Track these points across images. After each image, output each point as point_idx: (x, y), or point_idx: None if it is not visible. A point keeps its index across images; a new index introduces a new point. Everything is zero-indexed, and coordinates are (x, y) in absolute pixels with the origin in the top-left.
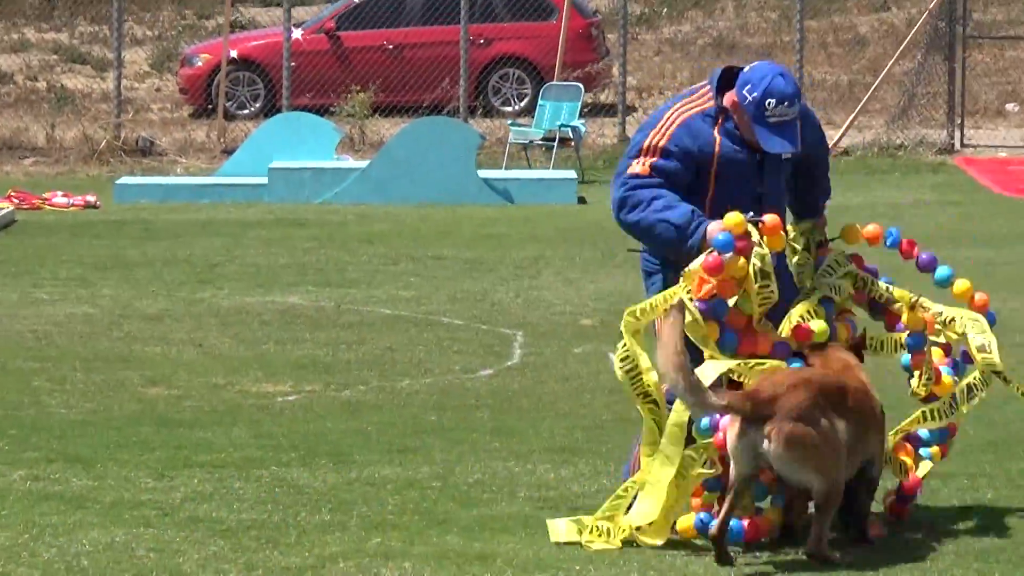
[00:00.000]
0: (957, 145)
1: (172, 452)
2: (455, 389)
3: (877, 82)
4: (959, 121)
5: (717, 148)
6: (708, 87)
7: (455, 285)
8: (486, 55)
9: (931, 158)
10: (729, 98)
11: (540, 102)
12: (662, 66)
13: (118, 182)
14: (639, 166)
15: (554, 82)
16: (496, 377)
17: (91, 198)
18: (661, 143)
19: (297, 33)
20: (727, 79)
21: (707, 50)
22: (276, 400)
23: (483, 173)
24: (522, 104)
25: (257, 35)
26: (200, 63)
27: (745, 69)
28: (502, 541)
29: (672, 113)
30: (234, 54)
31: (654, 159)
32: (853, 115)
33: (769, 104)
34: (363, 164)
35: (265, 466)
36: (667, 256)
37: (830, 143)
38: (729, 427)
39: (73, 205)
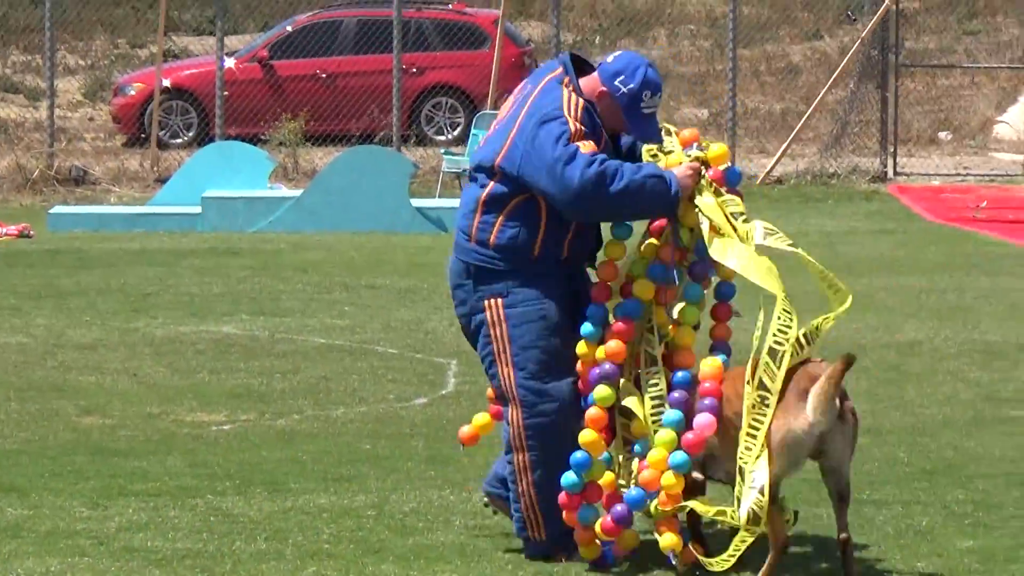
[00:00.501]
0: (890, 173)
1: (107, 481)
2: (390, 418)
3: (810, 110)
4: (892, 149)
5: (600, 134)
6: (561, 74)
7: (389, 314)
8: (419, 84)
9: (864, 186)
10: (593, 87)
11: (473, 131)
12: None
13: (51, 211)
14: (585, 147)
15: (487, 111)
16: (431, 406)
17: (24, 227)
18: (581, 127)
19: (230, 62)
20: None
21: None
22: (211, 429)
23: (416, 202)
24: (455, 133)
25: (190, 64)
26: (133, 92)
27: (608, 59)
28: (438, 570)
29: (569, 98)
30: (167, 83)
31: (587, 140)
32: (786, 143)
33: (646, 96)
34: (297, 193)
35: (200, 495)
36: (651, 214)
37: (763, 172)
38: (790, 417)
39: (6, 234)
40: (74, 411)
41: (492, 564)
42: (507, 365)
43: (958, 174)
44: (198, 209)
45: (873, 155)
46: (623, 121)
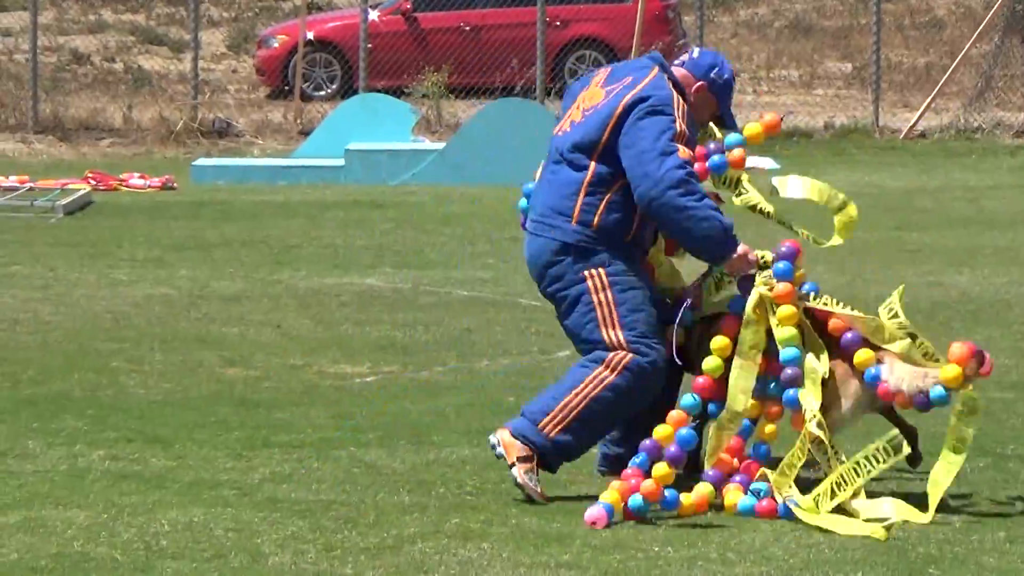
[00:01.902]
0: None
1: (250, 432)
2: (533, 370)
3: (954, 65)
4: None
5: (694, 146)
6: (660, 72)
7: None
8: (563, 37)
9: (1009, 141)
10: (688, 83)
11: None
12: (739, 48)
13: (195, 163)
14: (683, 152)
15: None
16: (573, 358)
17: (168, 179)
18: (684, 130)
19: (374, 14)
20: None
21: (784, 32)
22: (354, 381)
23: None
24: None
25: (334, 16)
26: (277, 44)
27: (690, 57)
28: (581, 522)
29: (677, 99)
30: (311, 35)
31: (686, 147)
32: (930, 98)
33: (734, 88)
34: (440, 145)
35: (343, 447)
36: (696, 249)
37: (906, 126)
38: (852, 380)
39: (150, 186)
40: (218, 362)
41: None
42: (615, 327)
43: None
44: (341, 162)
45: (1018, 109)
46: (712, 114)
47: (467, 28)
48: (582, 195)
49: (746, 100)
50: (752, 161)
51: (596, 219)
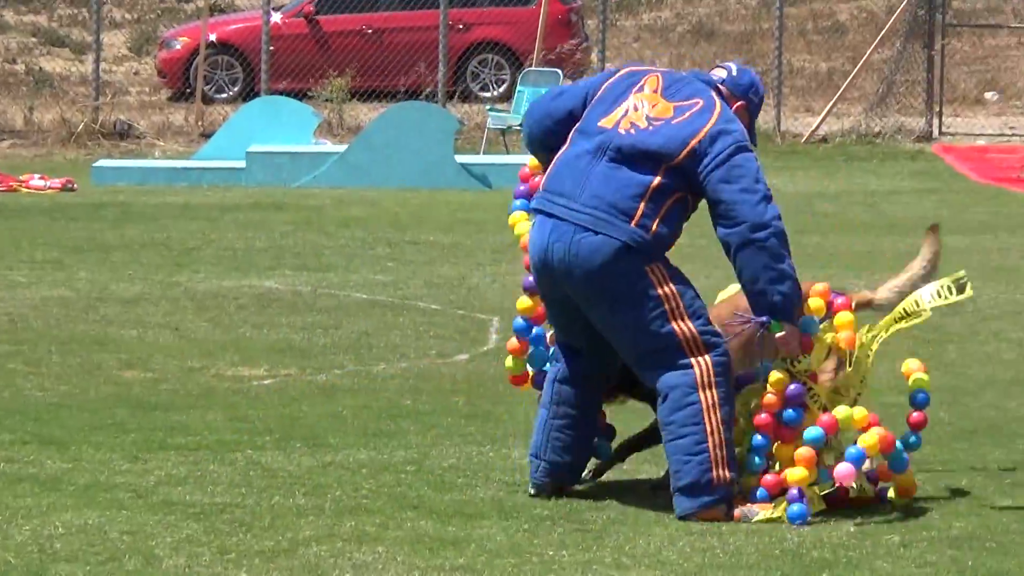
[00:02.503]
0: (935, 133)
1: (147, 435)
2: (431, 374)
3: (856, 69)
4: (938, 109)
5: None
6: (718, 98)
7: (432, 270)
8: (465, 40)
9: (909, 146)
10: (732, 102)
11: (519, 87)
12: (641, 52)
13: (96, 165)
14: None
15: (533, 68)
16: (472, 362)
17: (68, 181)
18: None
19: (276, 17)
20: None
21: (686, 36)
22: (252, 384)
23: (461, 158)
24: (500, 89)
25: (236, 19)
26: (179, 46)
27: (732, 72)
28: (476, 525)
29: (742, 129)
30: (213, 37)
31: None
32: (832, 102)
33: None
34: (341, 148)
35: (240, 449)
36: (765, 306)
37: (808, 131)
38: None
39: (50, 187)
40: (115, 365)
41: (530, 520)
42: (684, 318)
43: (1003, 134)
44: (242, 164)
45: (919, 115)
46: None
47: (369, 31)
48: (646, 200)
49: None
50: None
51: (655, 226)
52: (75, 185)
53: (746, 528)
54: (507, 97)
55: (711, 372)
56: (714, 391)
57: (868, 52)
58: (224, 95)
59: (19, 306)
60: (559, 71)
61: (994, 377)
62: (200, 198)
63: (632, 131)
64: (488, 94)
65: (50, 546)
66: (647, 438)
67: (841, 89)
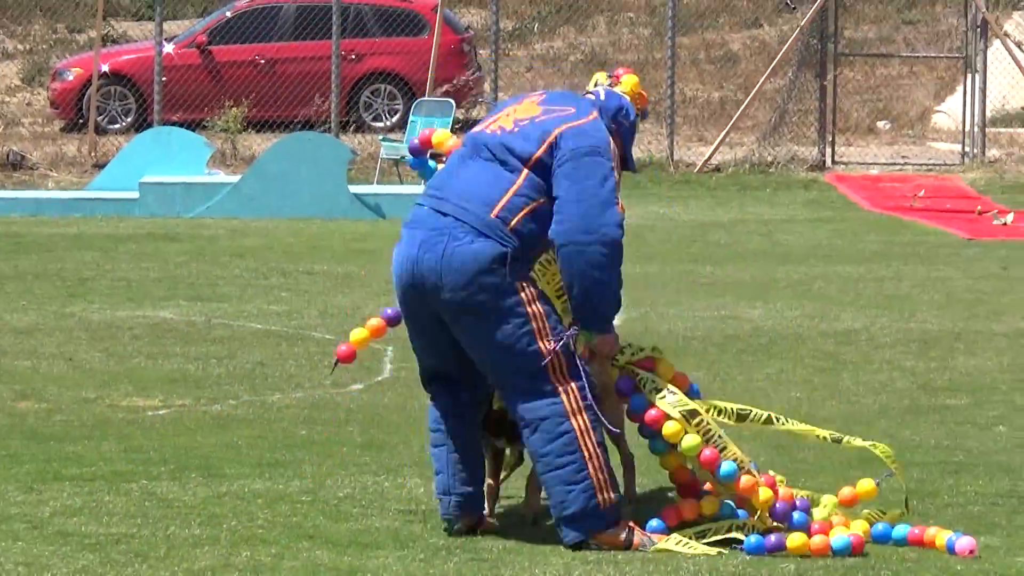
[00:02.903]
0: (828, 162)
1: (42, 466)
2: (326, 404)
3: (749, 99)
4: (830, 138)
5: None
6: (597, 114)
7: (326, 300)
8: (358, 70)
9: (803, 175)
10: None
11: (412, 117)
12: (534, 81)
13: None
14: (623, 209)
15: (426, 98)
16: (366, 392)
17: None
18: (619, 181)
19: (169, 47)
20: None
21: (579, 66)
22: (146, 414)
23: (354, 188)
24: (394, 119)
25: (129, 49)
26: (71, 77)
27: (601, 97)
28: (372, 555)
29: (612, 144)
30: (105, 68)
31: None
32: (724, 132)
33: (637, 130)
34: (235, 179)
35: (135, 480)
36: (580, 311)
37: (701, 160)
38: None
39: None
40: (9, 395)
41: (426, 550)
42: (549, 340)
43: (896, 163)
44: (136, 194)
45: (812, 144)
46: (625, 153)
47: (262, 61)
48: (510, 194)
49: None
50: None
51: (515, 221)
52: None
53: (642, 556)
54: (400, 127)
55: (578, 397)
56: (584, 415)
57: (761, 81)
58: (117, 125)
59: None
60: (452, 101)
61: (888, 405)
62: (94, 228)
63: (499, 132)
64: (381, 124)
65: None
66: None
67: (734, 119)
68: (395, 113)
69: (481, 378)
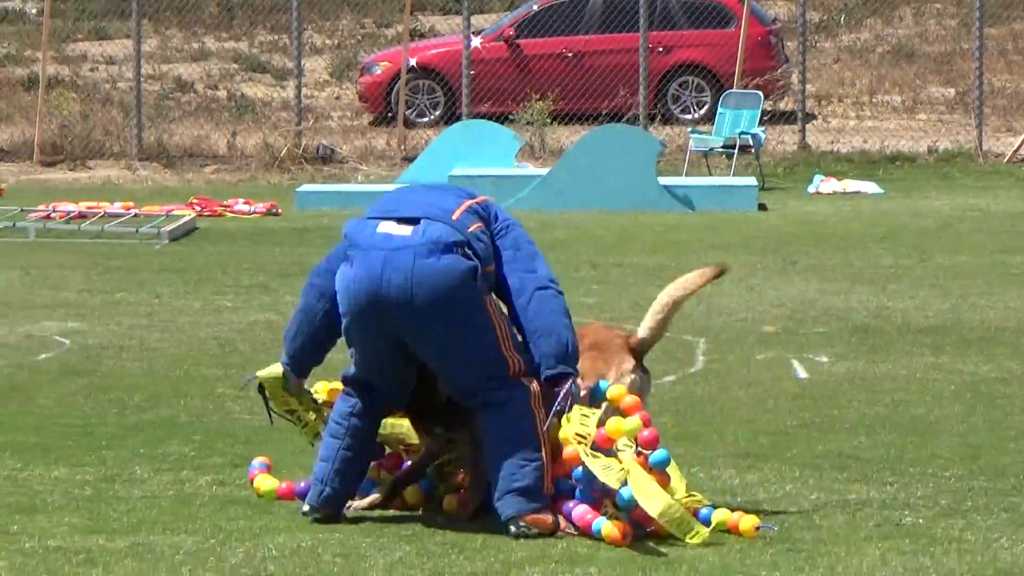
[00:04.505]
0: None
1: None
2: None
3: None
4: None
5: None
6: None
7: (637, 292)
8: (665, 62)
9: None
10: None
11: (720, 109)
12: (841, 73)
13: (299, 189)
14: None
15: (733, 89)
16: (679, 383)
17: (272, 205)
18: None
19: (476, 41)
20: None
21: (886, 58)
22: None
23: (663, 180)
24: (701, 111)
25: (436, 43)
26: (380, 71)
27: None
28: (686, 544)
29: None
30: (413, 62)
31: None
32: None
33: None
34: (543, 171)
35: None
36: (552, 352)
37: (1010, 151)
38: None
39: (255, 212)
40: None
41: (740, 540)
42: (511, 349)
43: None
44: None
45: None
46: None
47: (570, 55)
48: (465, 206)
49: (849, 125)
50: (855, 185)
51: (472, 227)
52: (279, 210)
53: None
54: (708, 119)
55: (538, 397)
56: (542, 412)
57: None
58: (425, 119)
59: (226, 330)
60: (759, 93)
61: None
62: None
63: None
64: (689, 116)
65: (264, 568)
66: (417, 472)
67: None
68: (703, 105)
69: (400, 397)
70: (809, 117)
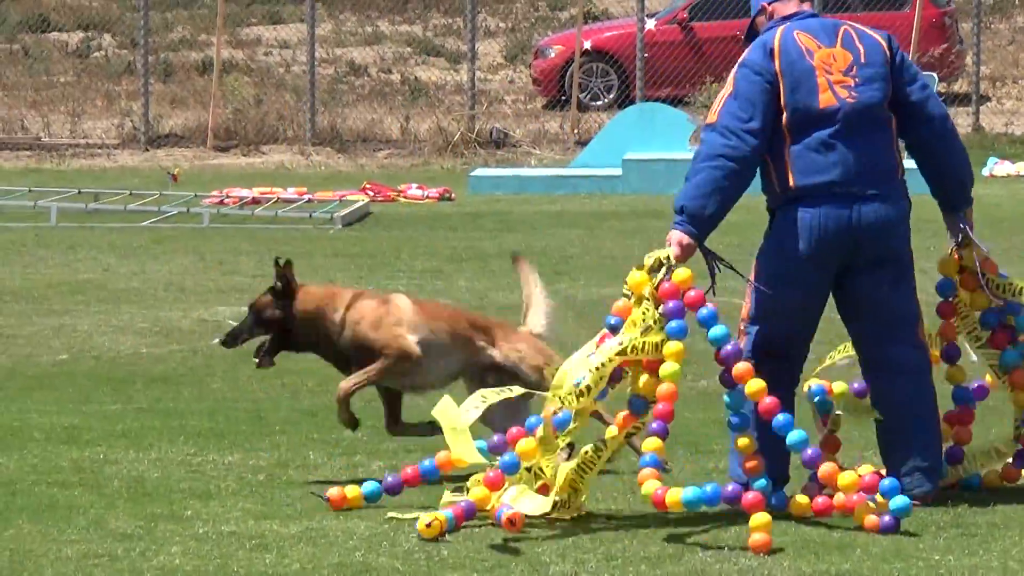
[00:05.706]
0: None
1: None
2: None
3: None
4: None
5: None
6: None
7: None
8: None
9: None
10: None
11: None
12: (1016, 55)
13: (472, 174)
14: None
15: None
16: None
17: (445, 190)
18: None
19: (650, 24)
20: None
21: None
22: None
23: None
24: None
25: (610, 26)
26: (553, 54)
27: None
28: (838, 529)
29: None
30: (587, 45)
31: None
32: None
33: None
34: None
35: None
36: (956, 189)
37: None
38: None
39: (428, 197)
40: None
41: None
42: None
43: None
44: (619, 172)
45: None
46: None
47: (744, 37)
48: (895, 147)
49: None
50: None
51: (900, 168)
52: (452, 195)
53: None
54: None
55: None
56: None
57: None
58: (599, 103)
59: None
60: (934, 75)
61: None
62: (577, 206)
63: (848, 98)
64: None
65: (437, 553)
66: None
67: None
68: None
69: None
70: (983, 99)
